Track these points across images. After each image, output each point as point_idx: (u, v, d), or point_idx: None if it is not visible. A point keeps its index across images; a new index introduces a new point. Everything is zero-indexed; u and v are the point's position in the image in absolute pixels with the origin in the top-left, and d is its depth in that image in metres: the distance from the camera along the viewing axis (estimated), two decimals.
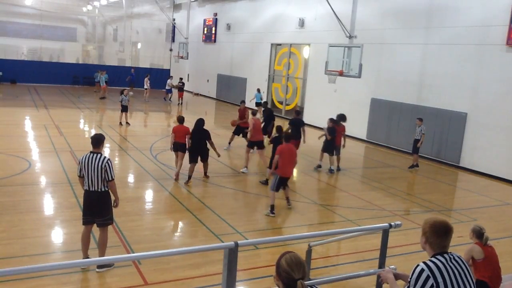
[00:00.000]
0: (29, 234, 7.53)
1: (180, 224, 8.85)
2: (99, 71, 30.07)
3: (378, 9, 18.38)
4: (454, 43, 15.39)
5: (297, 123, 13.92)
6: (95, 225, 6.59)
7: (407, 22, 17.14)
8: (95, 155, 6.46)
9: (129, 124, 18.72)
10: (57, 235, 7.74)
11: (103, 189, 6.46)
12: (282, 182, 9.60)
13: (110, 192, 6.61)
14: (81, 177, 6.49)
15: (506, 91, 13.85)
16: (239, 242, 4.00)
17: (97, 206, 6.48)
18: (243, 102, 16.53)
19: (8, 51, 34.45)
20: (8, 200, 8.99)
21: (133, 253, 7.07)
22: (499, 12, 13.93)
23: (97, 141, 6.60)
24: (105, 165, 6.40)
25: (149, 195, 10.40)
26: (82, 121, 20.30)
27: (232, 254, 3.92)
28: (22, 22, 37.98)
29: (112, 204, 6.68)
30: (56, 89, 30.12)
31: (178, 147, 11.30)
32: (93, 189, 6.42)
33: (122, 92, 18.52)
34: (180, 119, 11.59)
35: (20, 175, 10.74)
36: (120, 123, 18.51)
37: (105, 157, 6.51)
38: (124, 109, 18.43)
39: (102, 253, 6.57)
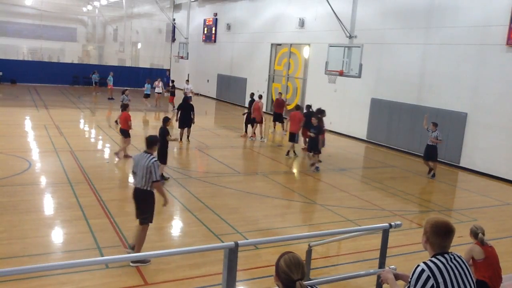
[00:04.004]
0: (29, 234, 7.53)
1: (180, 224, 8.85)
2: (95, 71, 30.22)
3: (378, 9, 18.38)
4: (454, 43, 15.38)
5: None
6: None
7: (407, 22, 17.14)
8: (145, 154, 6.74)
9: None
10: (57, 235, 7.74)
11: (145, 188, 6.68)
12: (291, 136, 14.90)
13: (155, 193, 6.81)
14: (133, 173, 6.85)
15: (506, 91, 13.85)
16: (239, 242, 4.01)
17: (138, 203, 6.79)
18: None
19: (8, 51, 34.50)
20: (8, 200, 8.99)
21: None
22: (499, 12, 13.93)
23: (149, 142, 6.92)
24: (150, 165, 6.58)
25: None
26: (82, 121, 20.30)
27: (232, 254, 3.93)
28: (22, 22, 38.04)
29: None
30: (56, 89, 30.12)
31: (121, 132, 13.36)
32: (138, 186, 6.75)
33: (123, 92, 18.53)
34: (121, 106, 13.99)
35: (20, 175, 10.74)
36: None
37: (153, 157, 6.71)
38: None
39: (137, 250, 6.70)
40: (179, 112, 15.84)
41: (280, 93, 21.13)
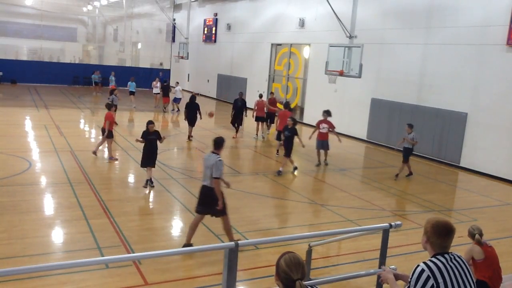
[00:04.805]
0: (29, 234, 7.53)
1: (180, 224, 8.85)
2: (95, 71, 30.28)
3: (378, 9, 18.38)
4: (454, 43, 15.38)
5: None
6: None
7: (407, 22, 17.14)
8: (212, 154, 7.27)
9: (116, 124, 18.64)
10: (57, 235, 7.74)
11: (212, 186, 7.16)
12: (280, 133, 14.58)
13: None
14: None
15: (507, 91, 13.84)
16: (239, 242, 4.01)
17: (205, 199, 7.28)
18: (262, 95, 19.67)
19: (8, 51, 34.46)
20: (9, 200, 9.00)
21: (133, 253, 7.07)
22: (499, 12, 13.93)
23: (216, 143, 7.44)
24: (214, 164, 7.08)
25: (149, 195, 10.39)
26: (82, 121, 20.30)
27: (232, 254, 3.92)
28: (22, 22, 38.02)
29: (218, 205, 7.22)
30: (56, 89, 30.12)
31: (102, 131, 13.07)
32: (204, 183, 7.28)
33: (112, 92, 18.68)
34: (105, 106, 13.59)
35: (21, 175, 10.74)
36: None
37: (218, 156, 7.18)
38: (115, 108, 18.55)
39: (230, 238, 7.27)
40: (186, 111, 16.62)
41: (272, 92, 21.08)
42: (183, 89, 24.66)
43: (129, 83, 24.44)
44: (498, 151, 14.14)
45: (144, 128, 10.75)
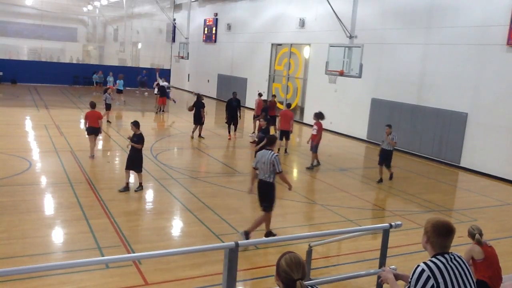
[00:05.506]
0: (29, 234, 7.53)
1: (180, 224, 8.85)
2: (96, 71, 30.39)
3: (378, 9, 18.38)
4: (454, 43, 15.38)
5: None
6: None
7: (408, 22, 17.13)
8: (268, 151, 7.73)
9: (110, 122, 18.71)
10: (57, 235, 7.74)
11: (268, 180, 7.66)
12: (283, 134, 14.79)
13: (279, 183, 7.82)
14: (255, 168, 7.85)
15: (507, 91, 13.84)
16: (239, 242, 4.01)
17: (261, 192, 7.75)
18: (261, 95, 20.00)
19: (8, 51, 34.48)
20: (9, 200, 9.00)
21: (133, 253, 7.07)
22: (499, 12, 13.93)
23: (270, 140, 8.09)
24: (273, 160, 7.55)
25: (149, 195, 10.40)
26: (82, 121, 20.27)
27: (232, 254, 3.92)
28: (22, 22, 38.09)
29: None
30: (56, 89, 30.13)
31: (92, 131, 12.60)
32: (262, 178, 7.71)
33: (105, 91, 18.77)
34: (92, 105, 13.00)
35: (21, 175, 10.74)
36: (108, 121, 18.53)
37: (273, 153, 7.68)
38: (108, 107, 18.55)
39: (251, 229, 7.65)
40: (193, 109, 17.07)
41: (274, 95, 20.15)
42: (181, 89, 24.84)
43: (117, 81, 24.51)
44: (498, 151, 14.14)
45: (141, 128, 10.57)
